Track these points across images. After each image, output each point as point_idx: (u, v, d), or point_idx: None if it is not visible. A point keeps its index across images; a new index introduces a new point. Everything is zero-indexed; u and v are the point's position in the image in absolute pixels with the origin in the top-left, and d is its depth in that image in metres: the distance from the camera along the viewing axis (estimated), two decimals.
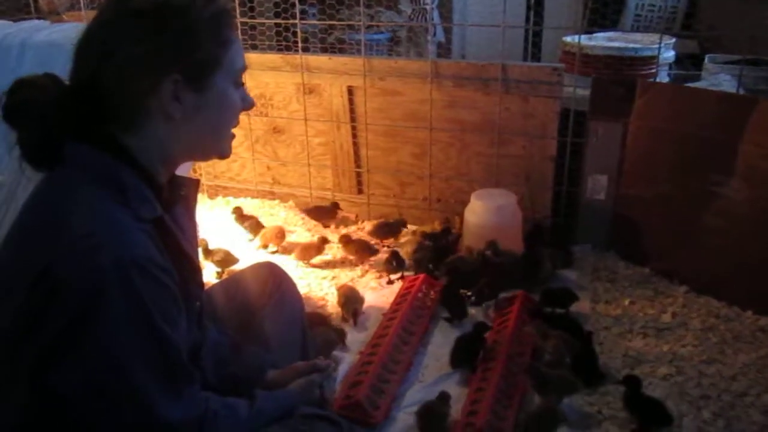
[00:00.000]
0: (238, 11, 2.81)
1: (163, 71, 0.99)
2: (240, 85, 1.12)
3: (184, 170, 1.37)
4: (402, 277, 2.31)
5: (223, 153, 1.16)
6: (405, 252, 2.41)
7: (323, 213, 2.77)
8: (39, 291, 0.89)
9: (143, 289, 0.91)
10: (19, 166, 1.00)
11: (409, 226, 2.70)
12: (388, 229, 2.63)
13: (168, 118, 1.02)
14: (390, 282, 2.32)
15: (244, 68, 1.12)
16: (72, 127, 1.00)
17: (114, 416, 0.95)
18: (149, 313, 0.93)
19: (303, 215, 2.92)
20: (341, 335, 1.93)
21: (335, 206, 2.77)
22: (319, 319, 2.01)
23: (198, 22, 1.01)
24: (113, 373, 0.92)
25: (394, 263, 2.31)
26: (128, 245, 0.93)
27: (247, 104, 1.15)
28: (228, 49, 1.06)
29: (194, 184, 1.21)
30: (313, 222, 2.87)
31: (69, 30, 2.05)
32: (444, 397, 1.62)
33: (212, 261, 2.33)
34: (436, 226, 2.60)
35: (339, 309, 2.11)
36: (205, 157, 1.19)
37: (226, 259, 2.34)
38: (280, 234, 2.60)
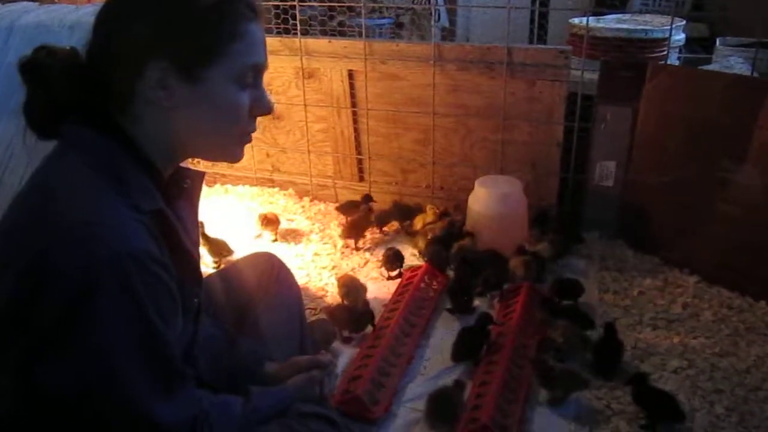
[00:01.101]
0: None
1: (148, 56, 0.93)
2: (252, 85, 1.01)
3: None
4: (399, 275, 2.22)
5: (230, 157, 1.08)
6: (417, 245, 2.34)
7: (355, 208, 2.62)
8: (30, 279, 0.84)
9: (139, 284, 0.86)
10: (5, 150, 0.96)
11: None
12: (408, 211, 2.57)
13: (157, 107, 0.96)
14: (390, 278, 2.24)
15: (259, 67, 1.01)
16: (76, 104, 0.96)
17: (102, 415, 0.90)
18: (144, 309, 0.88)
19: (303, 203, 2.88)
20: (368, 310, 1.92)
21: (368, 198, 2.62)
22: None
23: (195, 9, 0.94)
24: (103, 369, 0.87)
25: (395, 263, 2.23)
26: (126, 237, 0.87)
27: (261, 109, 1.04)
28: (232, 43, 0.96)
29: (199, 177, 1.14)
30: (314, 210, 2.82)
31: (57, 11, 2.00)
32: (460, 386, 1.59)
33: (207, 249, 2.27)
34: (429, 216, 2.52)
35: (339, 300, 2.06)
36: (211, 157, 1.10)
37: (220, 251, 2.29)
38: (274, 219, 2.54)
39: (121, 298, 0.85)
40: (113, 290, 0.84)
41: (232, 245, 2.35)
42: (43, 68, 0.96)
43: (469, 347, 1.75)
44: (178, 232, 1.01)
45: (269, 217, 2.54)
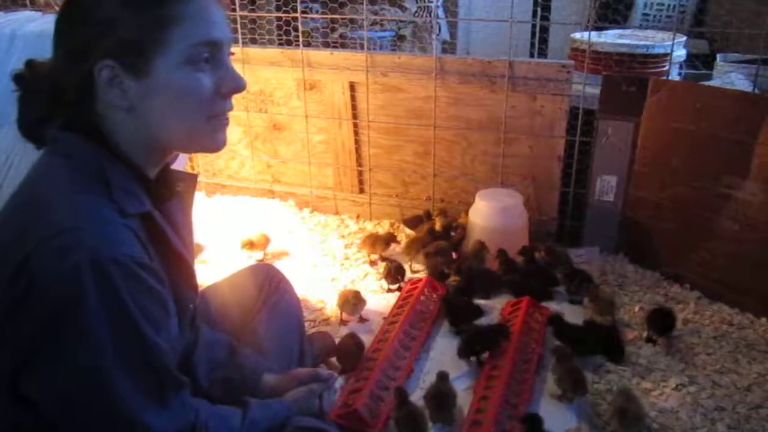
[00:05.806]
0: (237, 4, 2.74)
1: (90, 58, 0.92)
2: (211, 63, 0.97)
3: (179, 164, 1.29)
4: (399, 288, 2.21)
5: (208, 145, 1.03)
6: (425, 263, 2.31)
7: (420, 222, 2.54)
8: (16, 287, 0.83)
9: (124, 289, 0.85)
10: (5, 161, 0.95)
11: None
12: (380, 240, 2.46)
13: (118, 107, 0.95)
14: (389, 290, 2.23)
15: (213, 44, 0.96)
16: (63, 111, 0.96)
17: (93, 426, 0.89)
18: (130, 315, 0.87)
19: (302, 214, 2.87)
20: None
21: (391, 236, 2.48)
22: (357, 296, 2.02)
23: (122, 3, 0.93)
24: (91, 379, 0.86)
25: (397, 278, 2.21)
26: (109, 242, 0.86)
27: (228, 86, 0.99)
28: (168, 29, 0.92)
29: (191, 180, 1.14)
30: (314, 221, 2.81)
31: None
32: (443, 377, 1.61)
33: None
34: (437, 225, 2.50)
35: (337, 312, 2.05)
36: (189, 147, 1.08)
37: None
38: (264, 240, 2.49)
39: (105, 303, 0.84)
40: (96, 295, 0.83)
41: (206, 245, 2.39)
42: (32, 76, 0.97)
43: (476, 346, 1.77)
44: (167, 234, 1.00)
45: (254, 241, 2.48)
